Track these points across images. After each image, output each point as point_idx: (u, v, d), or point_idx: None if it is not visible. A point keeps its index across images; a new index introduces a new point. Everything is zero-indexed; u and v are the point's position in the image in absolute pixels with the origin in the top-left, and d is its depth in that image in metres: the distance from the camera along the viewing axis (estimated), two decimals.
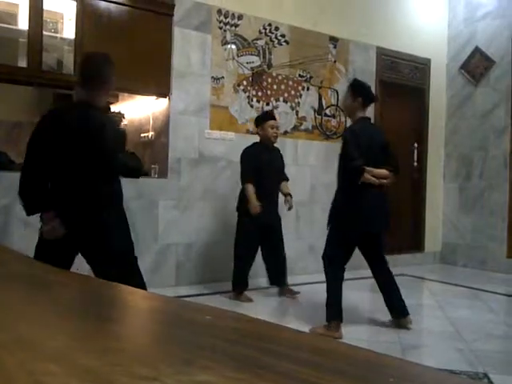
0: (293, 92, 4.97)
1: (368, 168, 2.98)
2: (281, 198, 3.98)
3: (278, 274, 3.99)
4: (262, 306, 3.73)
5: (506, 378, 2.40)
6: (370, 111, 5.44)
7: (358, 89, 3.16)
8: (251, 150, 3.89)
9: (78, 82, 2.40)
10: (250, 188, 3.73)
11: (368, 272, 3.40)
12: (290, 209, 3.95)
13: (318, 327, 3.08)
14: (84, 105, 2.31)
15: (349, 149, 2.98)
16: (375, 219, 3.09)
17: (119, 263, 2.25)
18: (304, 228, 5.03)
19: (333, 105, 5.24)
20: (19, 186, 2.29)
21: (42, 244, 2.32)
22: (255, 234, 3.81)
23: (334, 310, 3.05)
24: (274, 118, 3.95)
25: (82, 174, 2.26)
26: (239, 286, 3.86)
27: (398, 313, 3.19)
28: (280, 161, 4.02)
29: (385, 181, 3.06)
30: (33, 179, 2.26)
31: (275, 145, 4.00)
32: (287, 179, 4.07)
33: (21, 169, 2.31)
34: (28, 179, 2.27)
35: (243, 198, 3.80)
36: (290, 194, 3.95)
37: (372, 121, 5.38)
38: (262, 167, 3.79)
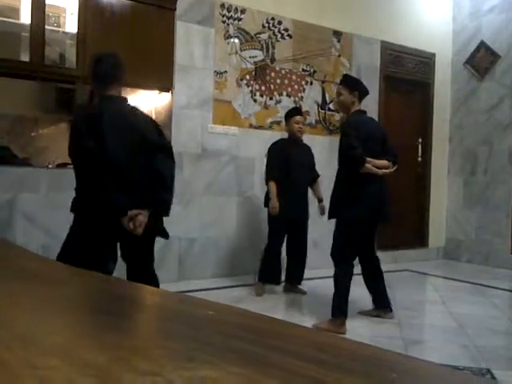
0: (296, 86, 4.95)
1: (368, 158, 2.99)
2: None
3: (295, 272, 3.98)
4: (265, 301, 3.73)
5: (509, 373, 2.39)
6: (374, 106, 5.46)
7: (353, 83, 3.21)
8: (277, 145, 3.93)
9: (91, 84, 2.46)
10: (272, 186, 3.75)
11: None
12: (322, 214, 3.93)
13: (321, 322, 3.08)
14: (106, 97, 2.37)
15: (349, 139, 2.99)
16: (378, 209, 3.10)
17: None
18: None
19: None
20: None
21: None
22: (281, 229, 3.82)
23: (341, 306, 3.05)
24: (300, 114, 3.97)
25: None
26: (261, 278, 3.88)
27: (381, 305, 3.29)
28: (309, 157, 4.01)
29: (386, 171, 3.09)
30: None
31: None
32: (317, 176, 4.06)
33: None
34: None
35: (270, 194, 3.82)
36: (322, 200, 3.95)
37: (376, 115, 5.42)
38: (288, 162, 3.80)
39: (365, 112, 3.24)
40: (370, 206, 3.04)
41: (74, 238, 2.31)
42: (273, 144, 3.97)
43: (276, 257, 3.89)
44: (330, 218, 3.21)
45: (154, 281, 2.50)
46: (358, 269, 3.78)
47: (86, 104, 2.68)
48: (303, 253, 3.96)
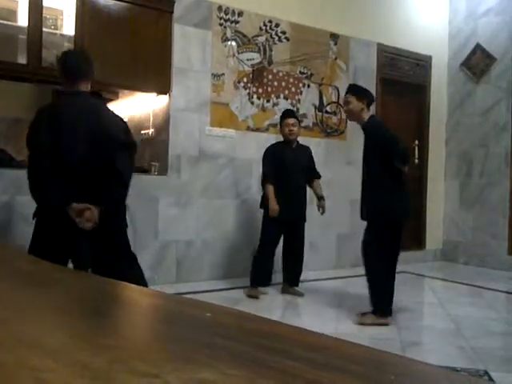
0: (293, 89, 4.96)
1: None
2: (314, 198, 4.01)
3: (292, 274, 3.98)
4: (263, 303, 3.72)
5: (506, 375, 2.40)
6: (371, 108, 5.46)
7: (360, 91, 3.28)
8: (271, 148, 3.94)
9: (62, 78, 2.45)
10: (269, 189, 3.77)
11: None
12: (322, 213, 3.95)
13: (365, 317, 3.14)
14: (72, 92, 2.38)
15: (390, 135, 3.09)
16: (409, 206, 3.26)
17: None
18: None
19: (333, 102, 5.23)
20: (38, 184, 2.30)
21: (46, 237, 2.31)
22: (276, 231, 3.83)
23: (385, 301, 3.14)
24: (292, 116, 3.96)
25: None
26: (253, 281, 3.88)
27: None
28: (305, 158, 4.00)
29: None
30: (43, 174, 2.29)
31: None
32: (318, 177, 4.07)
33: (33, 168, 2.32)
34: (39, 176, 2.29)
35: (264, 196, 3.85)
36: (323, 197, 3.96)
37: None
38: (283, 165, 3.81)
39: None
40: (408, 204, 3.21)
41: (32, 240, 2.36)
42: (268, 147, 3.98)
43: (270, 258, 3.90)
44: (368, 220, 3.25)
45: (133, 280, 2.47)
46: (352, 271, 3.82)
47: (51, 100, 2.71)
48: (300, 255, 3.96)
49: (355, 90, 3.27)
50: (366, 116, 3.23)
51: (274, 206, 3.71)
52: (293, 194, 3.85)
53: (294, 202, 3.86)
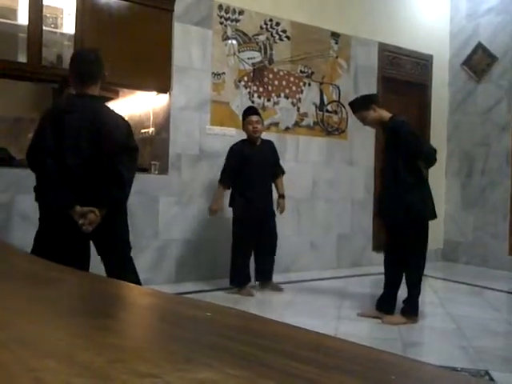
0: (294, 88, 4.96)
1: None
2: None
3: (265, 269, 3.99)
4: (263, 303, 3.72)
5: (507, 375, 2.40)
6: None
7: (362, 101, 3.27)
8: (235, 147, 3.93)
9: (71, 79, 2.46)
10: (219, 190, 3.88)
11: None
12: (281, 212, 3.95)
13: (393, 317, 3.17)
14: (81, 96, 2.38)
15: (416, 134, 3.11)
16: (433, 206, 3.22)
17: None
18: (305, 224, 5.02)
19: (334, 101, 5.23)
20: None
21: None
22: (245, 230, 3.84)
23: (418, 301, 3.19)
24: (255, 113, 3.92)
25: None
26: (239, 283, 3.87)
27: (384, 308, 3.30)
28: (269, 154, 3.99)
29: None
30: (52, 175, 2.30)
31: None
32: (282, 172, 4.07)
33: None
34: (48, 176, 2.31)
35: (234, 194, 3.89)
36: (283, 196, 3.96)
37: None
38: (247, 163, 3.81)
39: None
40: (430, 204, 3.19)
41: (35, 241, 2.38)
42: (232, 145, 3.95)
43: (248, 256, 3.91)
44: (385, 219, 3.27)
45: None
46: (354, 270, 3.81)
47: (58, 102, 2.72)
48: (272, 248, 3.97)
49: (358, 106, 3.28)
50: (384, 115, 3.21)
51: (213, 206, 3.85)
52: (259, 192, 3.85)
53: (262, 198, 3.87)
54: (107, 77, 2.54)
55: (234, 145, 3.95)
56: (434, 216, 3.22)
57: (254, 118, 3.87)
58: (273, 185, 4.04)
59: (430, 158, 3.11)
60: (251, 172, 3.80)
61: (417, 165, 3.09)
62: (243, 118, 3.95)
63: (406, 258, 3.16)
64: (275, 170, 4.03)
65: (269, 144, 4.04)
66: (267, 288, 3.99)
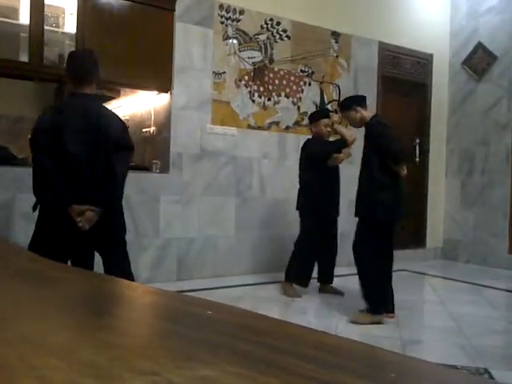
0: (294, 87, 4.96)
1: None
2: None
3: (325, 271, 3.97)
4: (264, 302, 3.73)
5: (506, 373, 2.40)
6: (371, 107, 5.45)
7: (348, 103, 3.36)
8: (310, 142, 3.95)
9: (68, 79, 2.50)
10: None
11: None
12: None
13: (358, 316, 3.17)
14: (78, 95, 2.41)
15: (387, 136, 3.10)
16: (403, 206, 3.22)
17: None
18: None
19: (334, 100, 5.23)
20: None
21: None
22: (318, 228, 3.81)
23: (379, 299, 3.15)
24: (329, 117, 4.01)
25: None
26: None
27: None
28: None
29: (405, 172, 3.20)
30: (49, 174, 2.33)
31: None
32: None
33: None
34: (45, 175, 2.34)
35: (308, 194, 3.81)
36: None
37: None
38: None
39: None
40: (399, 203, 3.17)
41: (32, 238, 2.40)
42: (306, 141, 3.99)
43: (314, 258, 3.89)
44: (359, 216, 3.29)
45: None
46: (352, 269, 3.80)
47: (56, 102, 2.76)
48: (334, 250, 3.99)
49: (341, 106, 3.47)
50: (366, 116, 3.29)
51: (347, 132, 3.82)
52: (331, 191, 3.92)
53: (334, 198, 3.94)
54: (108, 76, 2.57)
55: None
56: (399, 216, 3.24)
57: (330, 121, 3.96)
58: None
59: (399, 157, 3.12)
60: (324, 170, 3.84)
61: (389, 164, 3.12)
62: (316, 120, 3.93)
63: (363, 255, 3.17)
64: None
65: None
66: (327, 291, 3.99)
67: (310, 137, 4.04)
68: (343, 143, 3.76)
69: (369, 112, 3.33)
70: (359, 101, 3.34)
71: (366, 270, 3.17)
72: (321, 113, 4.06)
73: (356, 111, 3.28)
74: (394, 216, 3.20)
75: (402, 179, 3.20)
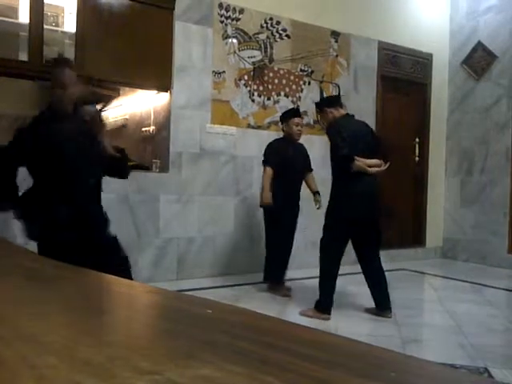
0: (294, 86, 4.96)
1: (357, 158, 3.10)
2: (309, 195, 3.98)
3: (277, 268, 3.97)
4: (263, 301, 3.73)
5: (506, 372, 2.40)
6: (371, 106, 5.46)
7: (319, 105, 3.49)
8: (275, 144, 3.91)
9: (53, 87, 2.57)
10: (268, 172, 3.73)
11: None
12: (319, 207, 3.92)
13: (309, 310, 3.23)
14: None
15: (335, 140, 3.14)
16: (364, 206, 3.15)
17: None
18: (305, 222, 5.02)
19: None
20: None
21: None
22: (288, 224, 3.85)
23: (327, 296, 3.18)
24: (300, 116, 3.95)
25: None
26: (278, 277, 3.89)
27: (381, 306, 3.29)
28: (305, 156, 4.00)
29: (378, 169, 3.17)
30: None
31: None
32: (311, 170, 4.06)
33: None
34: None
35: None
36: (318, 192, 3.95)
37: (373, 115, 5.43)
38: (286, 162, 3.79)
39: (352, 116, 3.39)
40: (356, 202, 3.11)
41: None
42: (270, 143, 3.95)
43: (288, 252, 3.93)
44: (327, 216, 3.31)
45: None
46: (351, 268, 3.82)
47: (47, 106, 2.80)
48: (288, 250, 3.99)
49: (317, 105, 3.57)
50: (338, 116, 3.31)
51: (268, 194, 3.75)
52: (293, 192, 3.89)
53: (295, 199, 3.93)
54: (108, 75, 2.60)
55: (271, 142, 3.94)
56: (356, 216, 3.14)
57: (300, 120, 3.90)
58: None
59: (342, 163, 3.13)
60: (288, 170, 3.79)
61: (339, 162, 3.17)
62: (287, 119, 3.87)
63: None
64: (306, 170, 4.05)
65: (303, 146, 4.01)
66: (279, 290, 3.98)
67: (278, 137, 4.05)
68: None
69: (342, 111, 3.34)
70: (331, 102, 3.40)
71: (322, 268, 3.26)
72: (291, 112, 3.96)
73: (327, 113, 3.32)
74: (348, 217, 3.13)
75: (374, 176, 3.17)
